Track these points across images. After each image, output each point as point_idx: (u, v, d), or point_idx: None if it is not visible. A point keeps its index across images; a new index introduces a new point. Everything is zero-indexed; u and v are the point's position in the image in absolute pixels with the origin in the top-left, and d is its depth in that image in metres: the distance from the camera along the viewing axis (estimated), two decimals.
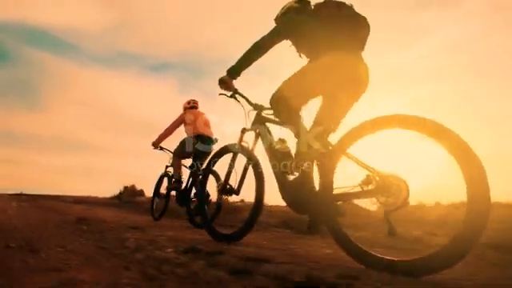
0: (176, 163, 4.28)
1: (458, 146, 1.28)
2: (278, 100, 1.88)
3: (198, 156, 3.98)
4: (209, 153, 3.95)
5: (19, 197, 13.03)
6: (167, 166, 4.54)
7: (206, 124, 4.21)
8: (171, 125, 4.28)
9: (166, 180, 4.54)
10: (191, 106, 4.32)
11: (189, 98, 4.40)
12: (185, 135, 4.23)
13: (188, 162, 4.25)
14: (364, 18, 1.85)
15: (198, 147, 3.95)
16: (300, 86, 1.83)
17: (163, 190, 4.55)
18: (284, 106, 1.85)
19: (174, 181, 4.24)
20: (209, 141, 4.06)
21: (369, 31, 1.88)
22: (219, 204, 3.03)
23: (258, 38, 1.91)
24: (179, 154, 4.22)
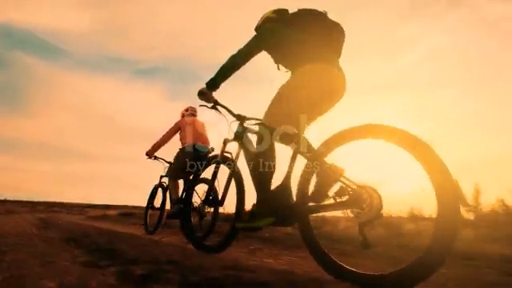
0: (172, 184, 4.01)
1: (428, 158, 1.26)
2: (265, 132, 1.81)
3: (198, 159, 3.79)
4: (206, 155, 3.90)
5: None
6: (162, 177, 4.50)
7: (203, 133, 4.17)
8: (167, 132, 4.19)
9: (160, 191, 4.51)
10: (190, 113, 4.26)
11: (187, 106, 4.34)
12: (179, 146, 4.18)
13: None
14: (338, 25, 1.85)
15: (197, 147, 3.92)
16: (281, 112, 1.76)
17: (157, 202, 4.51)
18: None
19: (173, 204, 3.91)
20: (205, 149, 4.01)
21: (344, 38, 1.88)
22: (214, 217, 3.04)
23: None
24: (176, 170, 4.00)
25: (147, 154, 4.33)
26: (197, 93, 2.01)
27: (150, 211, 4.53)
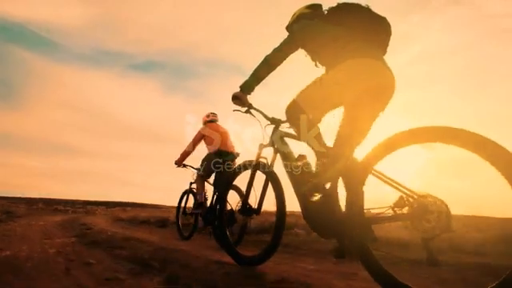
0: (199, 184, 4.22)
1: None
2: (293, 111, 1.74)
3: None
4: (230, 158, 3.94)
5: None
6: (191, 183, 4.53)
7: (227, 138, 4.15)
8: (191, 142, 4.25)
9: (191, 197, 4.52)
10: (210, 119, 4.32)
11: (208, 112, 4.38)
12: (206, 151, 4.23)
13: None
14: (384, 19, 1.69)
15: (216, 153, 4.00)
16: (318, 96, 1.68)
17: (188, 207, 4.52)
18: (300, 118, 1.70)
19: (198, 203, 4.13)
20: (230, 155, 4.02)
21: (390, 32, 1.72)
22: (244, 225, 2.93)
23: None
24: (203, 173, 4.17)
25: (176, 163, 4.41)
26: (231, 97, 1.91)
27: (181, 217, 4.57)
